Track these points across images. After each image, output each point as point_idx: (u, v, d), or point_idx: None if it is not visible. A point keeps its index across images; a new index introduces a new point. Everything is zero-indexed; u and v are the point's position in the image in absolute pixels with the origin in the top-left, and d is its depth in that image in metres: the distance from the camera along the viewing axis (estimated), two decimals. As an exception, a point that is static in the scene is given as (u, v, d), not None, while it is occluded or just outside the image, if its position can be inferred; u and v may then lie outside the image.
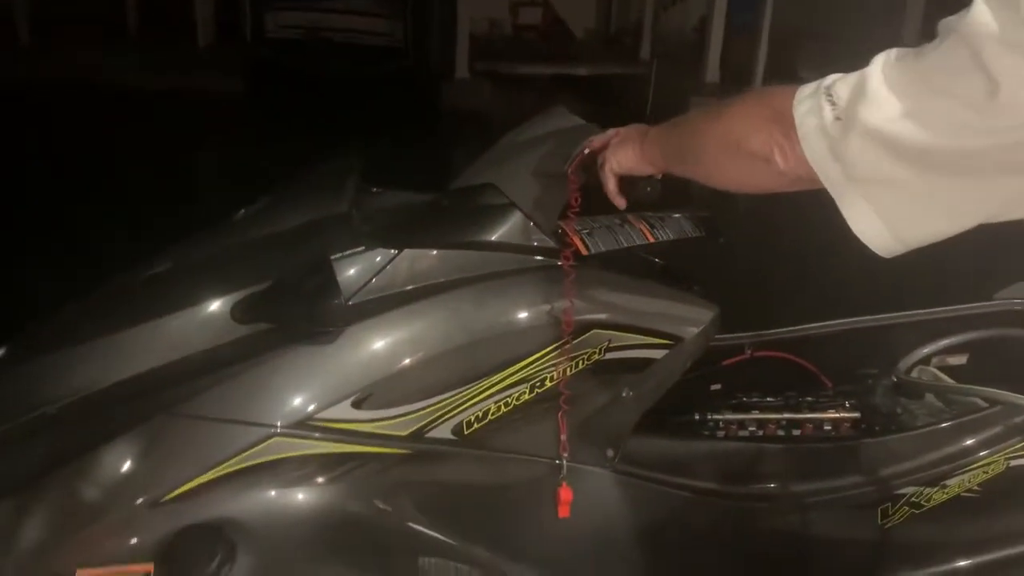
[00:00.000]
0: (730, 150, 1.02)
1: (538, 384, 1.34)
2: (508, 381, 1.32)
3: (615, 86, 7.27)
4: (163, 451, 1.22)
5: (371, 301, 1.30)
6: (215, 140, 5.85)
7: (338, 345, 1.26)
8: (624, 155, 1.29)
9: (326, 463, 1.27)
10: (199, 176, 4.78)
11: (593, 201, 1.37)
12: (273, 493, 1.25)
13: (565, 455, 1.37)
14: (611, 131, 1.34)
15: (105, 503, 1.20)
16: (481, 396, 1.31)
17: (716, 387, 1.80)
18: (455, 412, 1.31)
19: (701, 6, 7.62)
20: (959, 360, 1.82)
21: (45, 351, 1.31)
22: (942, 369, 1.80)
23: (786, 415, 1.67)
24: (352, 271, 1.30)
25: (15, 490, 1.20)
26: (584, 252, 1.42)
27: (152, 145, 5.27)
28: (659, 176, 1.29)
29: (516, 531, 1.41)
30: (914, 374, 1.77)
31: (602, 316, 1.37)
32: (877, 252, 0.89)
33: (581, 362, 1.36)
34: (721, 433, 1.64)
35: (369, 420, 1.27)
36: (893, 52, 0.85)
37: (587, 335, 1.35)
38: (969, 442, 1.54)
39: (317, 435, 1.25)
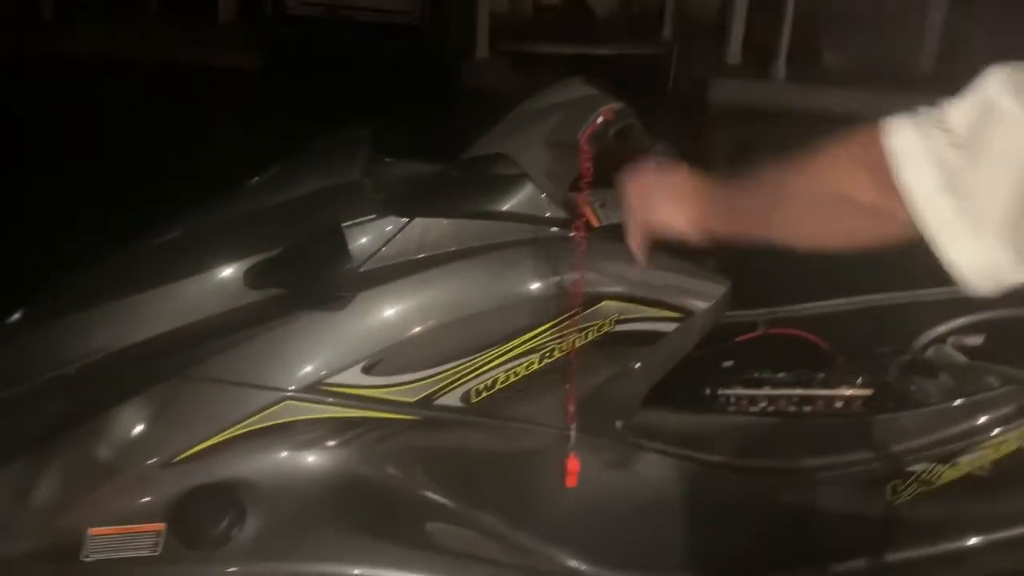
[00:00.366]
0: (832, 203, 0.89)
1: (547, 354, 1.35)
2: (517, 351, 1.33)
3: (636, 67, 7.22)
4: (176, 412, 1.24)
5: (382, 269, 1.31)
6: (235, 117, 5.86)
7: (349, 311, 1.27)
8: (667, 213, 1.13)
9: (336, 427, 1.28)
10: (215, 153, 4.79)
11: (605, 172, 1.36)
12: (283, 456, 1.26)
13: (573, 425, 1.37)
14: (643, 167, 1.20)
15: (118, 463, 1.22)
16: (490, 365, 1.32)
17: (728, 364, 1.79)
18: (464, 380, 1.31)
19: (724, -13, 7.54)
20: (976, 340, 1.80)
21: (63, 314, 1.33)
22: (958, 349, 1.78)
23: (798, 391, 1.67)
24: (363, 239, 1.31)
25: (30, 449, 1.22)
26: (596, 223, 1.42)
27: (170, 121, 5.29)
28: (670, 149, 1.29)
29: (523, 499, 1.42)
30: (929, 353, 1.76)
31: (612, 288, 1.37)
32: (983, 292, 0.81)
33: (591, 333, 1.36)
34: (732, 408, 1.64)
35: (379, 386, 1.28)
36: (1008, 68, 0.78)
37: (597, 307, 1.35)
38: (982, 421, 1.53)
39: (327, 399, 1.26)
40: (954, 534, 1.55)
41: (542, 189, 1.39)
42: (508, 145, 1.43)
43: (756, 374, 1.72)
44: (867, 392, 1.68)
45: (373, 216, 1.32)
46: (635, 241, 1.22)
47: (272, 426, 1.25)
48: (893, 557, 1.53)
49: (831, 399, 1.67)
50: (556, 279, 1.33)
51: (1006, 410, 1.53)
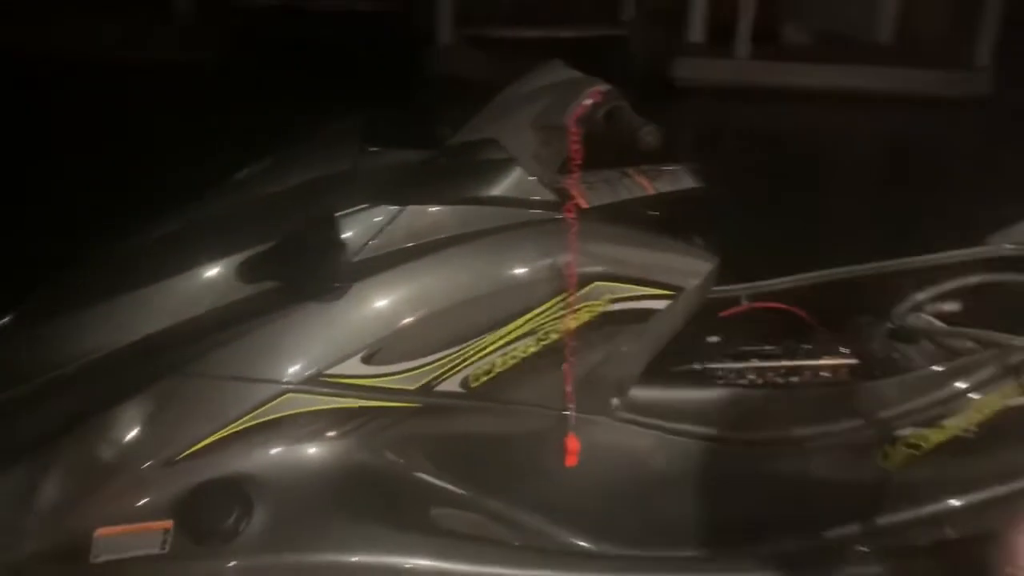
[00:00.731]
0: None
1: (543, 337, 1.36)
2: (514, 334, 1.34)
3: (600, 48, 7.24)
4: (177, 410, 1.24)
5: (376, 258, 1.31)
6: (191, 113, 5.77)
7: (346, 302, 1.27)
8: None
9: (338, 418, 1.29)
10: (173, 153, 4.70)
11: (592, 154, 1.37)
12: (287, 448, 1.27)
13: (571, 405, 1.39)
14: None
15: (121, 462, 1.22)
16: (488, 349, 1.33)
17: (714, 339, 1.82)
18: (463, 365, 1.32)
19: (685, -35, 7.55)
20: (953, 307, 1.85)
21: (57, 314, 1.32)
22: (936, 316, 1.82)
23: (785, 362, 1.70)
24: (357, 228, 1.31)
25: (32, 452, 1.21)
26: (585, 205, 1.43)
27: (122, 120, 5.20)
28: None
29: (525, 481, 1.44)
30: (908, 321, 1.79)
31: (604, 269, 1.38)
32: None
33: (585, 314, 1.38)
34: (722, 382, 1.67)
35: (379, 375, 1.28)
36: None
37: (590, 288, 1.37)
38: (965, 384, 1.57)
39: (329, 391, 1.26)
40: (943, 495, 1.59)
41: (531, 173, 1.39)
42: (495, 130, 1.43)
43: (743, 348, 1.74)
44: (852, 361, 1.71)
45: (366, 205, 1.32)
46: None
47: (274, 419, 1.25)
48: (885, 520, 1.57)
49: (817, 369, 1.70)
50: (549, 262, 1.34)
51: (987, 372, 1.57)
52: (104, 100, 5.62)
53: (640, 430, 1.49)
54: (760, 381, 1.69)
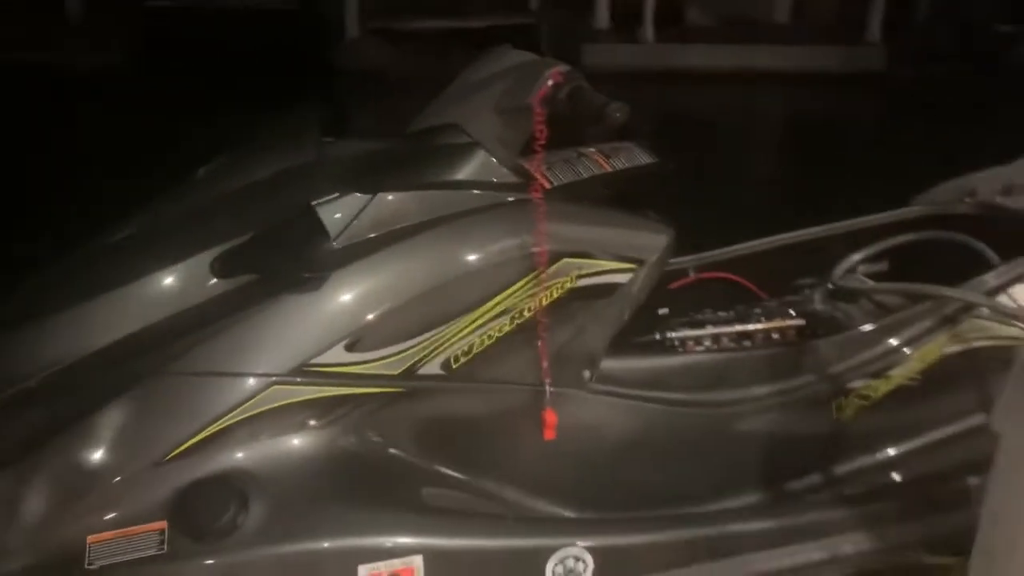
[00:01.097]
0: None
1: (517, 315, 1.39)
2: (489, 315, 1.37)
3: (508, 37, 7.28)
4: (162, 410, 1.22)
5: (351, 246, 1.31)
6: (95, 119, 5.57)
7: (325, 291, 1.27)
8: None
9: (325, 406, 1.29)
10: (78, 158, 4.52)
11: (557, 133, 1.41)
12: (277, 440, 1.27)
13: (547, 380, 1.43)
14: None
15: (107, 468, 1.20)
16: (465, 331, 1.35)
17: (664, 311, 1.88)
18: (442, 348, 1.35)
19: (586, -47, 7.66)
20: (882, 266, 1.96)
21: (27, 321, 1.28)
22: (871, 275, 1.94)
23: (737, 327, 1.77)
24: (330, 218, 1.31)
25: (13, 463, 1.18)
26: (547, 185, 1.46)
27: (17, 126, 4.99)
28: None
29: (507, 456, 1.47)
30: (845, 281, 1.89)
31: (571, 246, 1.42)
32: None
33: (555, 291, 1.41)
34: (681, 349, 1.73)
35: (362, 362, 1.29)
36: None
37: (559, 264, 1.40)
38: (905, 336, 1.67)
39: (314, 380, 1.27)
40: (893, 440, 1.69)
41: (494, 155, 1.42)
42: (456, 115, 1.45)
43: (698, 316, 1.81)
44: (799, 322, 1.80)
45: (336, 195, 1.32)
46: None
47: (262, 412, 1.25)
48: (842, 469, 1.67)
49: (768, 331, 1.78)
50: (518, 242, 1.37)
51: (925, 323, 1.67)
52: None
53: (612, 400, 1.54)
54: (716, 347, 1.76)
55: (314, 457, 1.29)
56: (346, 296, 1.29)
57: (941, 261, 1.88)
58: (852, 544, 1.53)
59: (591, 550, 1.39)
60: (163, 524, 1.19)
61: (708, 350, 1.74)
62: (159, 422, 1.22)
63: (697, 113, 6.11)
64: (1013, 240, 1.75)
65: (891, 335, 1.67)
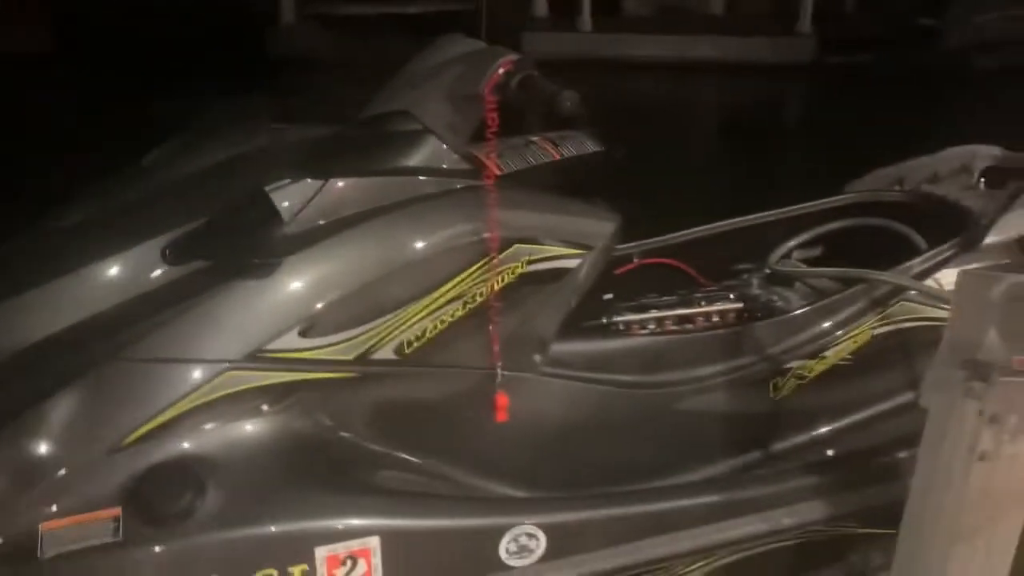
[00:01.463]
0: None
1: (469, 300, 1.42)
2: (442, 299, 1.39)
3: (446, 24, 7.26)
4: (115, 396, 1.22)
5: (304, 232, 1.32)
6: (26, 104, 5.40)
7: (279, 277, 1.28)
8: None
9: (280, 392, 1.30)
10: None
11: (508, 121, 1.43)
12: (231, 426, 1.27)
13: (499, 364, 1.45)
14: None
15: (60, 455, 1.19)
16: (418, 316, 1.37)
17: (609, 296, 1.92)
18: (396, 333, 1.36)
19: (524, -61, 7.68)
20: (815, 252, 2.04)
21: None
22: (805, 260, 2.01)
23: (679, 311, 1.83)
24: (282, 203, 1.32)
25: None
26: (498, 172, 1.49)
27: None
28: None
29: (460, 439, 1.50)
30: (782, 265, 1.96)
31: (522, 232, 1.45)
32: None
33: (506, 276, 1.44)
34: (626, 333, 1.78)
35: (316, 347, 1.30)
36: None
37: (510, 250, 1.43)
38: (839, 318, 1.74)
39: (268, 366, 1.27)
40: (828, 418, 1.77)
41: (445, 142, 1.44)
42: (407, 102, 1.47)
43: (642, 300, 1.86)
44: (738, 306, 1.86)
45: (288, 181, 1.33)
46: None
47: (217, 398, 1.25)
48: (781, 445, 1.74)
49: (708, 315, 1.84)
50: (470, 227, 1.40)
51: (857, 306, 1.74)
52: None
53: (562, 382, 1.58)
54: (659, 330, 1.81)
55: (269, 442, 1.30)
56: (299, 282, 1.29)
57: (872, 246, 1.96)
58: (791, 517, 1.59)
59: (543, 527, 1.43)
60: (117, 511, 1.19)
61: (652, 333, 1.79)
62: (113, 409, 1.21)
63: (634, 102, 6.19)
64: (939, 226, 1.84)
65: (825, 317, 1.74)
